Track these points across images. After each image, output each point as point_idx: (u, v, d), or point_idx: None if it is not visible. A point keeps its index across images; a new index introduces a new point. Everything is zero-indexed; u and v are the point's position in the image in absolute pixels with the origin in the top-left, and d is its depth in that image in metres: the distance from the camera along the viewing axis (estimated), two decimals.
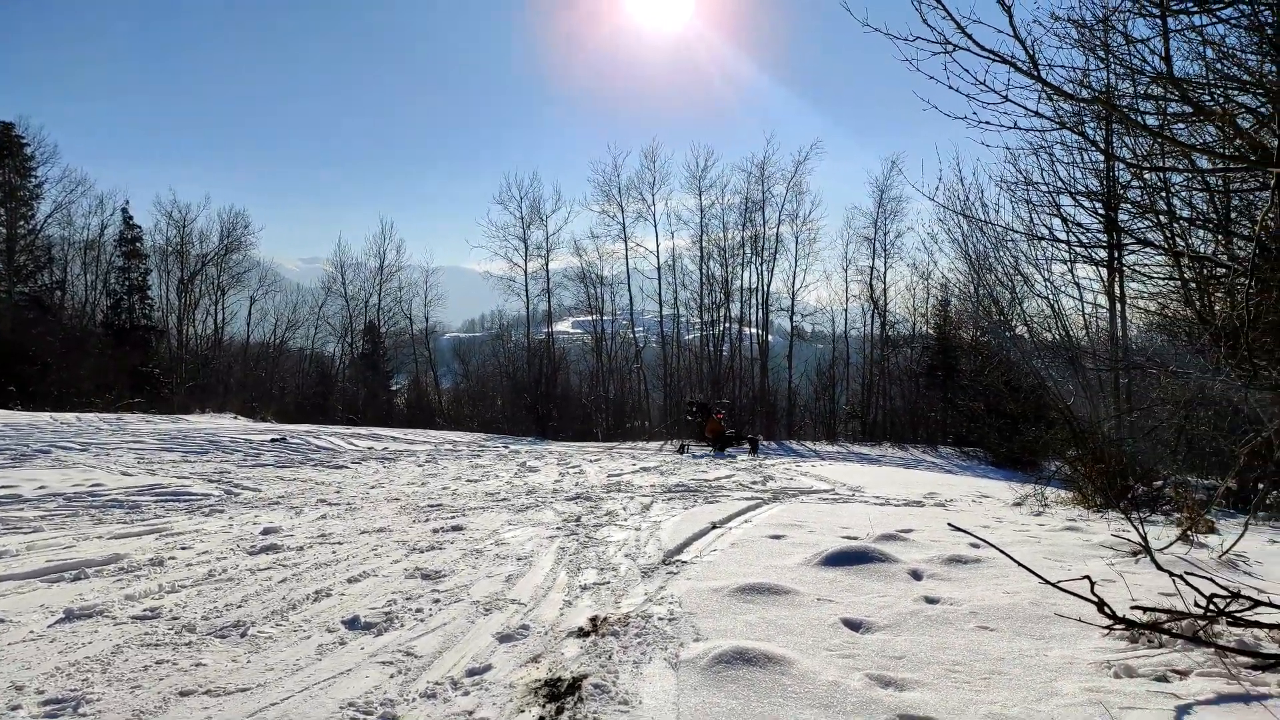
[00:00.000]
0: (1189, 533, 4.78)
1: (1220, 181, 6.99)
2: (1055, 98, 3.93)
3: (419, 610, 3.35)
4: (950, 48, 3.35)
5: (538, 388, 30.05)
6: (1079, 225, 8.54)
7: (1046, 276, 9.64)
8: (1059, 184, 8.39)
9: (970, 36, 3.25)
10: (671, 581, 3.74)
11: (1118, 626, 2.80)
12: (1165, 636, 2.72)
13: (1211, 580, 2.92)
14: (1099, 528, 5.55)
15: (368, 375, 35.07)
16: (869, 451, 22.83)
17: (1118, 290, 9.80)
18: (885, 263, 30.37)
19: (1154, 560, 3.29)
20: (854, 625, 3.03)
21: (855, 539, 4.53)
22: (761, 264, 30.53)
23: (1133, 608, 2.93)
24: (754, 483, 8.83)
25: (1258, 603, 2.74)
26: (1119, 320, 10.01)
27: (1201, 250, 7.84)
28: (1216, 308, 7.30)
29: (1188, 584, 2.88)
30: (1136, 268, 8.84)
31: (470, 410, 34.32)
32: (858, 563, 3.95)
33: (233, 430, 14.81)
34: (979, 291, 11.41)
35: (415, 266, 37.64)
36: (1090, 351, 9.55)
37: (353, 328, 36.32)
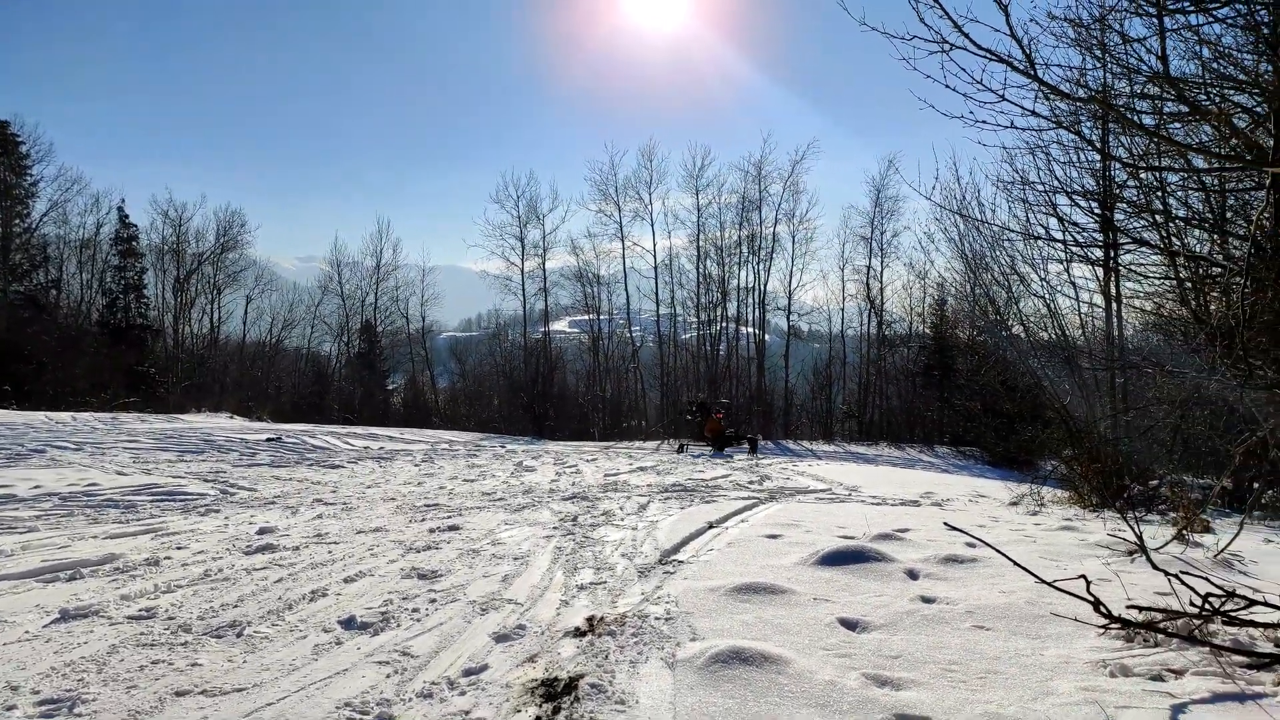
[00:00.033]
0: (1184, 532, 4.79)
1: (1216, 181, 7.02)
2: (1052, 97, 3.94)
3: (415, 610, 3.34)
4: (947, 47, 3.36)
5: (534, 387, 30.04)
6: (1075, 225, 8.57)
7: (1043, 276, 9.67)
8: (1055, 183, 8.43)
9: (967, 35, 3.26)
10: (668, 581, 3.74)
11: (1113, 626, 2.81)
12: (1161, 636, 2.73)
13: (1207, 579, 2.92)
14: (1095, 527, 5.56)
15: (364, 375, 35.01)
16: (865, 451, 22.88)
17: (1114, 290, 9.82)
18: (882, 262, 30.50)
19: (1149, 560, 3.30)
20: (850, 625, 3.03)
21: (852, 538, 4.53)
22: (758, 263, 30.62)
23: (1128, 607, 2.94)
24: (750, 482, 8.84)
25: (1253, 602, 2.75)
26: (1115, 320, 10.04)
27: (1197, 250, 7.86)
28: (1212, 307, 7.33)
29: (1183, 583, 2.89)
30: (1132, 267, 8.88)
31: (467, 410, 34.31)
32: (854, 562, 3.96)
33: (228, 430, 14.77)
34: (975, 291, 11.43)
35: (412, 266, 37.65)
36: (1086, 351, 9.57)
37: (349, 327, 36.27)
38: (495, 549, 4.67)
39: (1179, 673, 2.47)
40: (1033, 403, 12.18)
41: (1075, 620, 2.95)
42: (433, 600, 3.51)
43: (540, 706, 2.33)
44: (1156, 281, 8.64)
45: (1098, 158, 8.10)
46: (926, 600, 3.35)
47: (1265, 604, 2.75)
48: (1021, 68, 3.29)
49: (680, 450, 17.40)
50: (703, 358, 31.02)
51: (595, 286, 32.08)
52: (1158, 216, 7.77)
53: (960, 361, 22.93)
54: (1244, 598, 2.75)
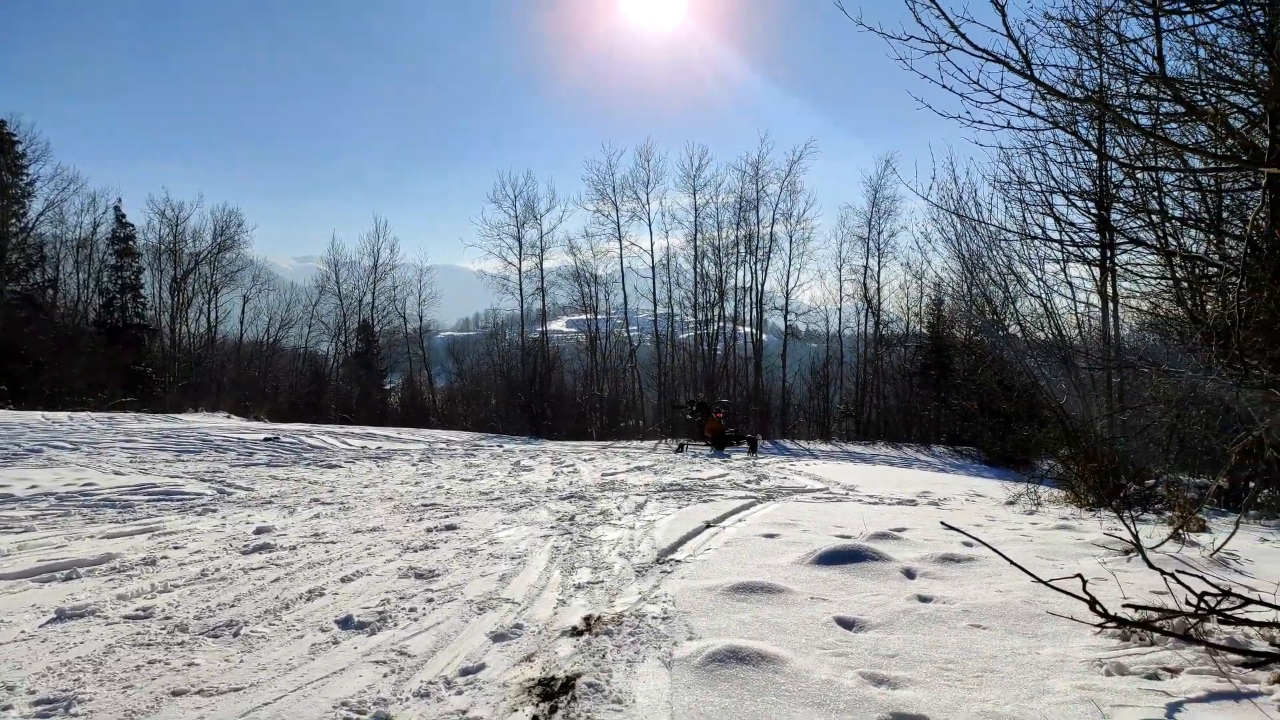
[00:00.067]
0: (1181, 531, 4.81)
1: (1212, 181, 7.04)
2: (1048, 97, 3.95)
3: (412, 609, 3.34)
4: (944, 47, 3.36)
5: (532, 387, 30.02)
6: (1072, 225, 8.60)
7: (1039, 276, 9.71)
8: (1052, 183, 8.45)
9: (964, 36, 3.26)
10: (665, 580, 3.74)
11: (1109, 625, 2.81)
12: (1157, 634, 2.73)
13: (1203, 579, 2.93)
14: (1091, 526, 5.57)
15: (361, 374, 34.97)
16: (863, 450, 22.90)
17: (1110, 289, 9.85)
18: (879, 262, 30.56)
19: (1146, 559, 3.31)
20: (847, 624, 3.04)
21: (849, 538, 4.54)
22: (756, 263, 30.63)
23: (1124, 606, 2.95)
24: (748, 482, 8.84)
25: (1248, 601, 2.75)
26: (1111, 319, 10.06)
27: (1193, 250, 7.89)
28: (1208, 307, 7.35)
29: (1179, 582, 2.90)
30: (1129, 267, 8.90)
31: (464, 409, 34.29)
32: (851, 561, 3.96)
33: (226, 429, 14.74)
34: (972, 291, 11.45)
35: (409, 265, 37.70)
36: (1083, 350, 9.59)
37: (346, 326, 36.23)
38: (492, 548, 4.67)
39: (1175, 671, 2.48)
40: (1029, 402, 12.23)
41: (1071, 619, 2.95)
42: (430, 600, 3.50)
43: (537, 706, 2.33)
44: (1153, 281, 8.66)
45: (1094, 158, 8.13)
46: (923, 599, 3.36)
47: (1261, 603, 2.76)
48: (1018, 68, 3.30)
49: (680, 450, 17.40)
50: (700, 357, 31.03)
51: (593, 286, 32.12)
52: (1154, 216, 7.80)
53: (957, 361, 22.99)
54: (1240, 597, 2.76)
